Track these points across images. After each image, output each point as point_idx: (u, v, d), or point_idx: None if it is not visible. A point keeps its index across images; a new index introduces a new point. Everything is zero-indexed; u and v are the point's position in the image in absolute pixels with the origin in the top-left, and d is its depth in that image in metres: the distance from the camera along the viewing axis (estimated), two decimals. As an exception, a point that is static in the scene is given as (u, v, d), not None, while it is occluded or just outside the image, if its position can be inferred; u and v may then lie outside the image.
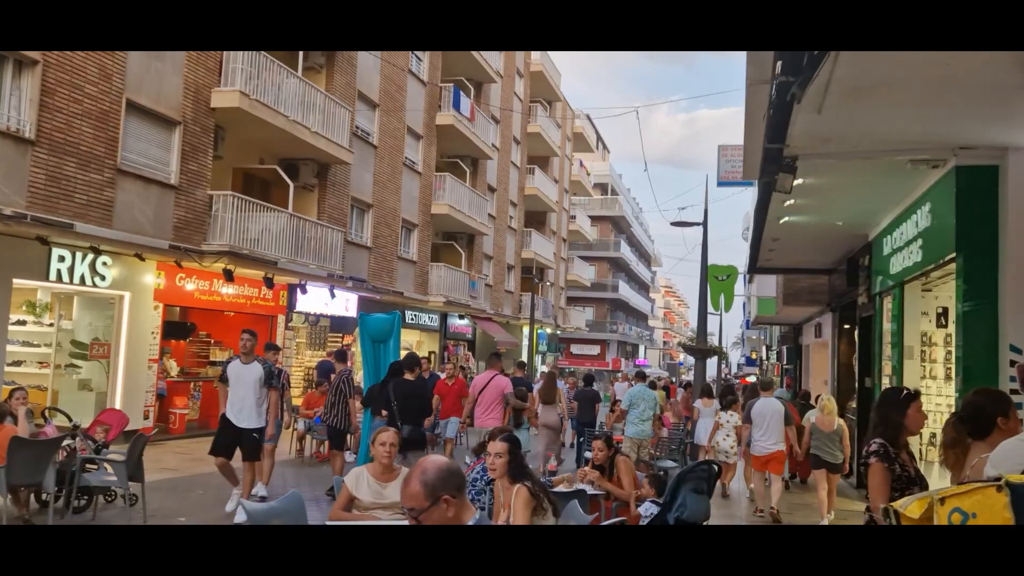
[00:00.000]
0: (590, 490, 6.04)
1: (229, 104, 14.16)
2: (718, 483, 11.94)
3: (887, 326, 11.57)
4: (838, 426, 9.90)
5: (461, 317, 28.59)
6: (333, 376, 19.23)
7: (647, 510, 5.67)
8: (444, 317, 27.45)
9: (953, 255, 7.92)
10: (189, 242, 13.92)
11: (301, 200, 17.84)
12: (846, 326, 15.83)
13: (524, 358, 29.98)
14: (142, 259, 13.20)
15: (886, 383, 11.60)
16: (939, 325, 11.36)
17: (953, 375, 11.34)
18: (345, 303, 20.39)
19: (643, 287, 75.59)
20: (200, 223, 14.27)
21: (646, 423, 11.38)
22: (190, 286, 15.29)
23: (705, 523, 5.61)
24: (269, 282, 15.83)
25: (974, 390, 3.79)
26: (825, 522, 9.67)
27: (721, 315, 43.07)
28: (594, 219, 56.30)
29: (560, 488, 5.83)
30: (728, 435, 11.37)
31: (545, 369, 35.20)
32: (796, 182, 8.54)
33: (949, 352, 11.24)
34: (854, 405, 14.28)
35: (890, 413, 3.96)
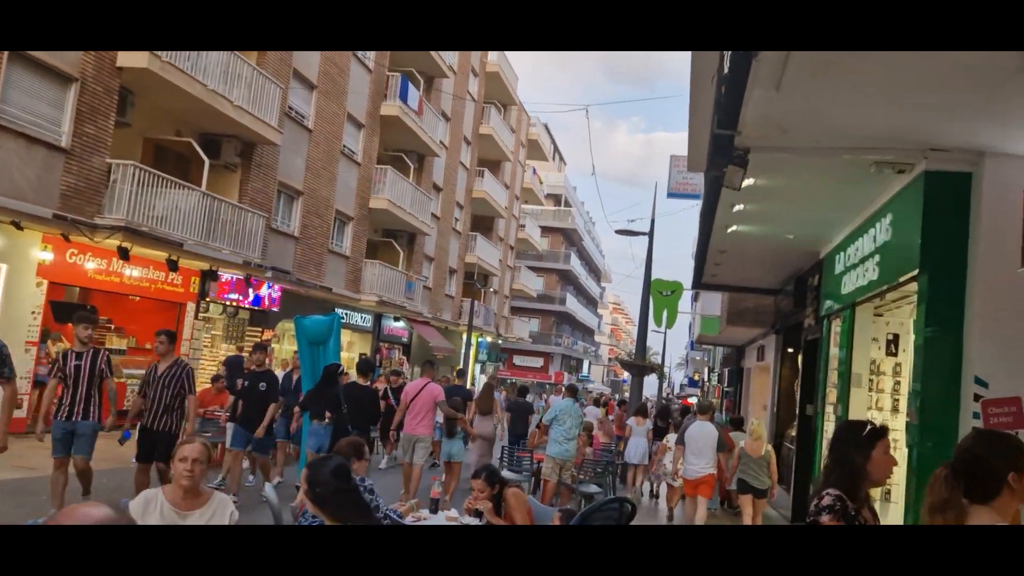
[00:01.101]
0: (473, 526, 4.95)
1: (137, 65, 12.78)
2: (665, 506, 11.64)
3: (834, 351, 10.75)
4: (766, 451, 9.78)
5: (397, 319, 27.32)
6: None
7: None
8: (379, 318, 26.16)
9: (914, 274, 7.06)
10: (80, 213, 12.47)
11: (221, 180, 16.47)
12: (790, 350, 15.06)
13: (462, 366, 28.85)
14: (20, 228, 11.73)
15: (829, 411, 10.78)
16: (889, 353, 10.57)
17: (903, 407, 10.57)
18: (267, 295, 19.02)
19: (591, 302, 75.08)
20: (94, 193, 12.83)
21: (571, 442, 10.34)
22: (89, 264, 13.83)
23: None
24: (173, 265, 14.43)
25: (972, 433, 2.82)
26: None
27: (665, 334, 42.53)
28: (545, 230, 55.56)
29: (421, 523, 4.74)
30: (673, 461, 10.97)
31: (483, 379, 34.11)
32: (747, 182, 7.60)
33: (898, 383, 10.45)
34: (794, 434, 13.47)
35: (849, 454, 2.96)
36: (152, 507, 3.49)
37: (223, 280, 17.01)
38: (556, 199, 59.33)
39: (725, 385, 27.97)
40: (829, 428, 10.66)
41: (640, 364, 15.55)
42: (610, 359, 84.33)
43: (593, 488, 10.43)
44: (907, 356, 10.46)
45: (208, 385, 12.88)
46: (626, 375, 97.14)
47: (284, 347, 23.16)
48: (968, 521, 2.54)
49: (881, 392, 10.45)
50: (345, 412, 8.19)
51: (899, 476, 10.59)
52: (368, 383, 8.87)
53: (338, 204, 21.57)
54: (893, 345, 10.57)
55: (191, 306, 16.71)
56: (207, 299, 17.02)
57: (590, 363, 76.60)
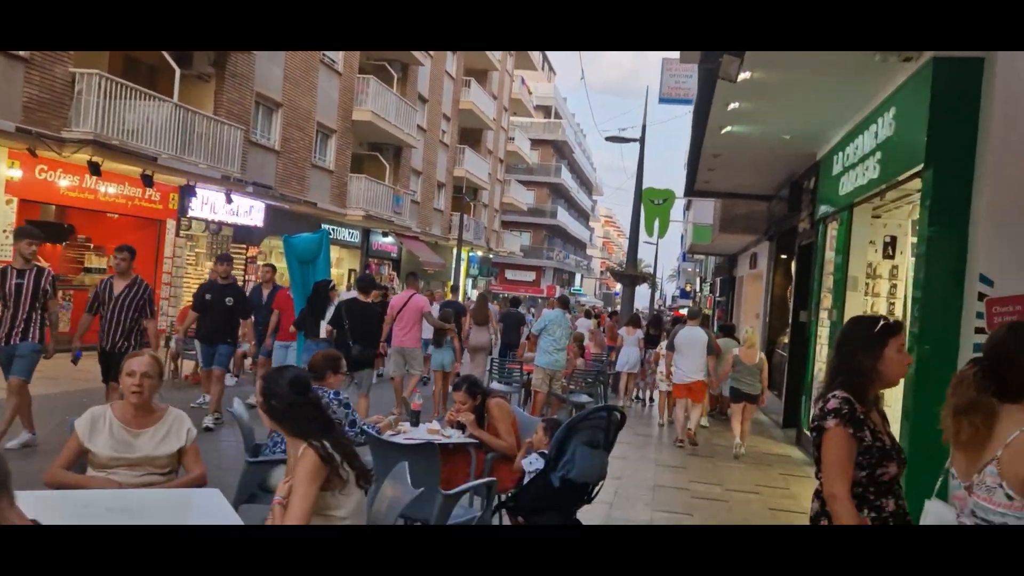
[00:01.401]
0: (456, 439, 4.74)
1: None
2: (664, 413, 11.56)
3: (829, 255, 10.49)
4: (760, 359, 9.81)
5: (385, 235, 26.92)
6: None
7: (531, 465, 4.41)
8: (367, 234, 25.75)
9: (918, 170, 6.72)
10: (45, 127, 11.91)
11: (194, 90, 15.79)
12: (783, 256, 14.82)
13: (453, 281, 28.64)
14: (-19, 142, 11.22)
15: (824, 317, 10.60)
16: (886, 256, 10.32)
17: (899, 311, 10.39)
18: (250, 211, 18.55)
19: (583, 215, 74.56)
20: (60, 105, 12.23)
21: (560, 352, 10.16)
22: (62, 182, 13.34)
23: (599, 483, 4.38)
24: (148, 180, 13.93)
25: (1004, 328, 2.53)
26: (741, 450, 9.41)
27: (657, 245, 42.30)
28: (535, 142, 54.59)
29: (398, 438, 4.52)
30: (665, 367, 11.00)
31: (475, 293, 34.00)
32: (743, 75, 7.18)
33: (895, 286, 10.24)
34: (786, 340, 13.36)
35: (858, 353, 2.68)
36: (100, 425, 3.23)
37: (202, 195, 16.51)
38: (546, 111, 58.07)
39: (717, 295, 27.88)
40: (824, 334, 10.50)
41: (631, 274, 15.31)
42: (602, 272, 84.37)
43: (584, 398, 10.32)
44: (904, 259, 10.22)
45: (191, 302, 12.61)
46: (618, 288, 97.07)
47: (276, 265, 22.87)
48: (999, 422, 2.30)
49: (877, 296, 10.25)
50: (347, 328, 8.01)
51: (892, 380, 10.53)
52: (368, 299, 8.58)
53: (320, 116, 20.86)
54: (890, 248, 10.30)
55: (171, 223, 16.26)
56: (187, 216, 16.56)
57: (582, 276, 76.63)
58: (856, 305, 9.19)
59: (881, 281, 10.28)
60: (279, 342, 9.44)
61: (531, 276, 56.58)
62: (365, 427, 4.41)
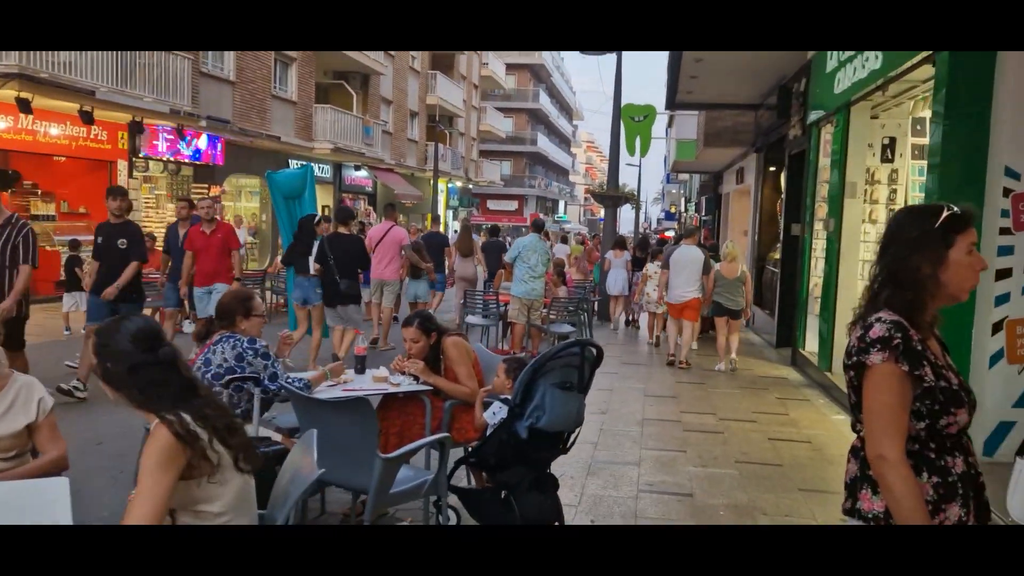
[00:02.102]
0: (406, 386, 4.05)
1: None
2: (653, 333, 11.36)
3: (823, 162, 9.73)
4: (741, 272, 9.52)
5: (357, 168, 25.84)
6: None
7: (494, 415, 3.74)
8: (338, 168, 24.70)
9: (929, 54, 5.93)
10: (-37, 61, 10.84)
11: (134, 18, 14.56)
12: (771, 168, 14.04)
13: (431, 212, 27.75)
14: None
15: (819, 228, 9.90)
16: (884, 159, 9.57)
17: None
18: (209, 148, 17.50)
19: (564, 141, 73.09)
20: (-22, 37, 11.11)
21: (537, 280, 9.46)
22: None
23: (575, 431, 3.70)
24: (87, 117, 12.89)
25: None
26: (722, 366, 9.38)
27: (640, 167, 41.32)
28: (512, 67, 52.91)
29: (330, 392, 3.81)
30: (658, 286, 10.71)
31: (456, 225, 33.16)
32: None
33: (894, 191, 9.51)
34: (777, 256, 12.69)
35: (913, 256, 1.93)
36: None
37: (153, 133, 15.47)
38: (521, 32, 55.98)
39: (703, 214, 27.13)
40: (819, 246, 9.82)
41: (613, 195, 14.48)
42: (585, 198, 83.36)
43: (566, 328, 9.66)
44: (904, 161, 9.47)
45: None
46: (603, 213, 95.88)
47: (241, 204, 21.89)
48: None
49: (875, 203, 9.54)
50: (332, 263, 7.86)
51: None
52: (350, 231, 8.41)
53: (277, 43, 19.61)
54: (889, 150, 9.55)
55: (122, 164, 15.26)
56: (139, 156, 15.55)
57: (566, 203, 75.59)
58: (855, 213, 8.48)
59: (879, 187, 9.56)
60: (200, 288, 8.13)
61: (513, 205, 55.58)
62: (292, 381, 3.71)
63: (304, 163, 21.98)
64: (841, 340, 8.98)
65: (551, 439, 3.66)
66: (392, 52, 27.48)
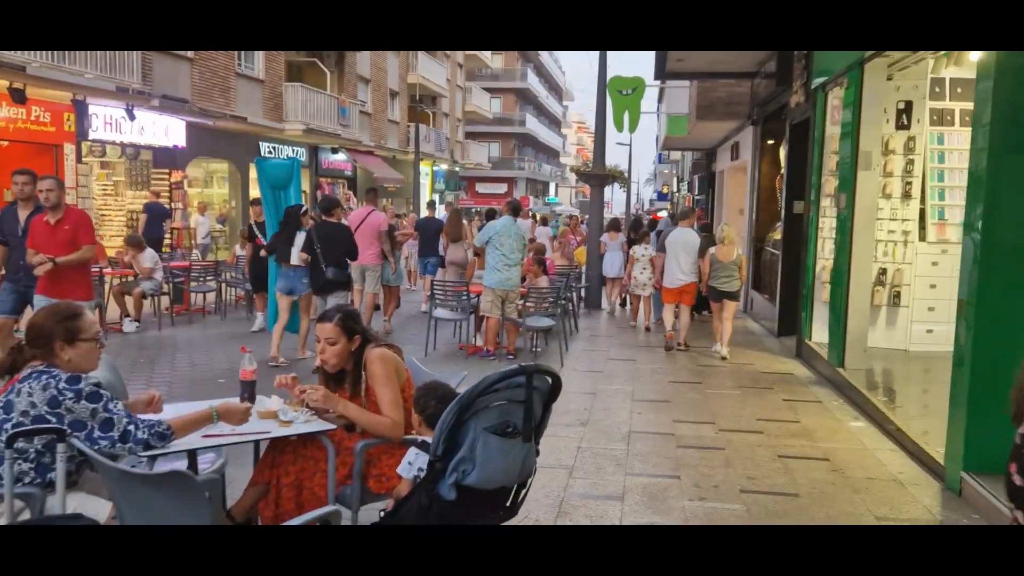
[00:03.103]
0: (302, 423, 3.01)
1: None
2: (636, 316, 11.30)
3: (832, 130, 8.68)
4: (737, 255, 9.06)
5: (335, 151, 24.64)
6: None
7: (410, 465, 2.71)
8: (315, 151, 23.52)
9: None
10: None
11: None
12: (770, 142, 12.99)
13: (413, 196, 26.66)
14: None
15: (827, 205, 8.86)
16: (899, 126, 8.53)
17: (916, 192, 8.65)
18: (167, 130, 16.34)
19: (554, 122, 71.78)
20: None
21: (512, 269, 8.41)
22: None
23: (520, 487, 2.68)
24: (18, 95, 11.77)
25: None
26: (722, 351, 8.92)
27: (631, 146, 40.19)
28: (498, 45, 51.47)
29: (196, 439, 2.75)
30: (644, 268, 10.78)
31: (442, 209, 32.05)
32: None
33: (911, 162, 8.48)
34: (778, 237, 11.66)
35: None
36: None
37: (104, 114, 14.32)
38: (507, 10, 54.63)
39: (696, 194, 26.07)
40: (827, 225, 8.79)
41: (600, 173, 13.40)
42: (577, 180, 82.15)
43: (545, 321, 8.61)
44: (922, 128, 8.43)
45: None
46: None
47: (213, 190, 20.73)
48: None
49: (890, 176, 8.53)
50: (319, 252, 7.79)
51: (909, 275, 8.88)
52: (336, 219, 8.29)
53: (241, 17, 18.40)
54: (905, 116, 8.52)
55: (69, 148, 14.11)
56: (88, 139, 14.40)
57: (557, 185, 74.35)
58: (870, 187, 7.42)
59: (895, 157, 8.54)
60: (41, 297, 6.16)
61: (503, 188, 54.31)
62: (143, 427, 2.64)
63: (278, 147, 20.86)
64: (855, 330, 7.98)
65: (489, 498, 2.63)
66: (369, 28, 26.23)
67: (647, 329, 10.91)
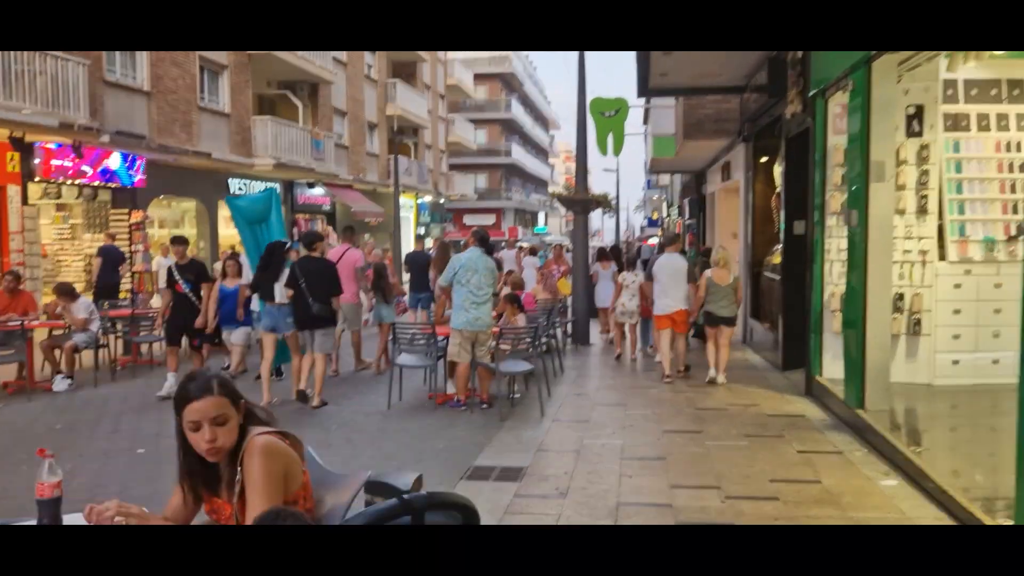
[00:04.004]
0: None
1: None
2: (619, 345, 10.84)
3: (835, 140, 7.79)
4: (733, 279, 8.90)
5: (311, 185, 23.72)
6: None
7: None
8: (289, 186, 22.61)
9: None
10: None
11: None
12: (763, 159, 12.12)
13: (394, 230, 25.73)
14: None
15: (832, 224, 7.93)
16: (911, 134, 7.63)
17: (933, 207, 7.73)
18: (129, 169, 15.40)
19: (541, 152, 71.39)
20: None
21: (482, 307, 7.44)
22: None
23: None
24: (-57, 134, 10.81)
25: None
26: (718, 377, 8.73)
27: (618, 170, 39.51)
28: (482, 77, 51.14)
29: None
30: (633, 296, 10.39)
31: (428, 243, 31.16)
32: None
33: (925, 173, 7.56)
34: (776, 260, 10.73)
35: None
36: None
37: (48, 152, 13.38)
38: (489, 42, 54.33)
39: (686, 218, 25.21)
40: (833, 246, 7.85)
41: (581, 198, 12.47)
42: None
43: (521, 366, 7.61)
44: (936, 134, 7.53)
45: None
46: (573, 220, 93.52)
47: (180, 231, 19.72)
48: None
49: (902, 188, 7.59)
50: (303, 287, 7.63)
51: (929, 300, 7.92)
52: (320, 253, 8.21)
53: (203, 50, 17.57)
54: (916, 121, 7.62)
55: (14, 189, 13.13)
56: (35, 179, 13.44)
57: (546, 215, 73.69)
58: (885, 201, 6.48)
59: (907, 168, 7.61)
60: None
61: (491, 219, 53.60)
62: None
63: (249, 183, 19.94)
64: (875, 365, 6.97)
65: None
66: (343, 60, 25.51)
67: (632, 360, 10.52)
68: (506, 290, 9.04)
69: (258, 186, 20.78)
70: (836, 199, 7.72)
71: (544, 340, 9.55)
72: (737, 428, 6.74)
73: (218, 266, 8.68)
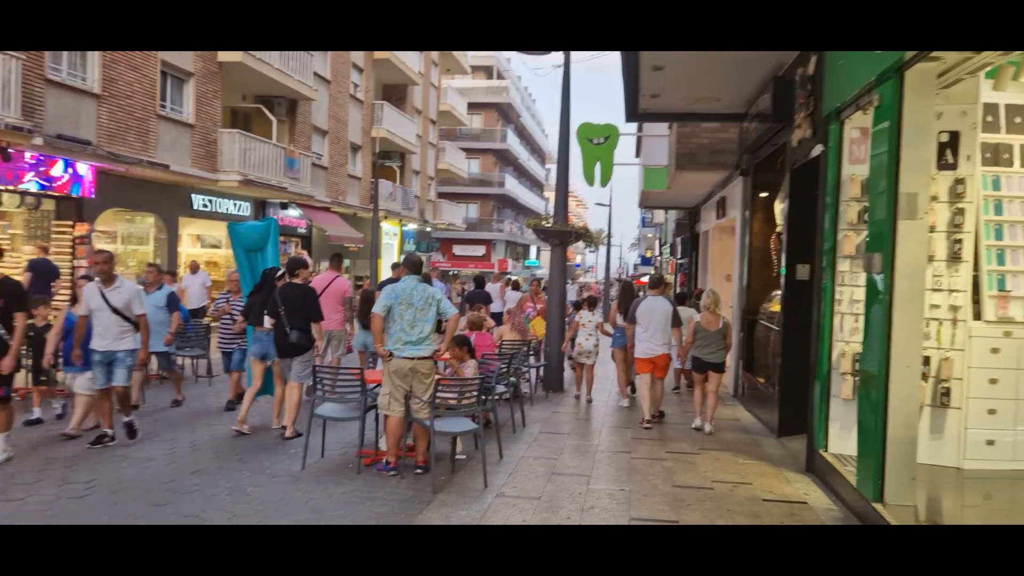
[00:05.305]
0: None
1: None
2: (579, 386, 10.41)
3: (852, 171, 6.56)
4: (723, 324, 8.57)
5: (285, 206, 22.48)
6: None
7: None
8: (261, 206, 21.37)
9: None
10: None
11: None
12: (763, 195, 10.90)
13: (380, 256, 24.49)
14: None
15: (844, 271, 6.67)
16: (942, 165, 6.40)
17: (968, 255, 6.46)
18: (73, 177, 14.13)
19: (536, 184, 70.40)
20: None
21: (419, 346, 6.11)
22: None
23: None
24: None
25: None
26: (705, 427, 8.43)
27: (611, 203, 38.40)
28: (478, 106, 50.36)
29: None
30: (591, 335, 10.24)
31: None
32: None
33: (960, 211, 6.31)
34: (775, 308, 9.45)
35: None
36: None
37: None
38: (487, 71, 53.67)
39: (679, 257, 24.01)
40: (846, 296, 6.57)
41: (559, 230, 11.18)
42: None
43: (463, 425, 6.25)
44: (973, 167, 6.31)
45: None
46: (579, 258, 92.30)
47: (135, 247, 18.39)
48: None
49: (932, 230, 6.32)
50: (283, 314, 7.53)
51: (960, 366, 6.64)
52: (303, 280, 7.92)
53: (166, 55, 16.39)
54: (950, 151, 6.38)
55: (-66, 194, 11.84)
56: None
57: (539, 248, 72.60)
58: (917, 243, 5.20)
59: (938, 206, 6.36)
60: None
61: (480, 250, 52.45)
62: None
63: (214, 199, 18.66)
64: (899, 447, 5.43)
65: None
66: (327, 77, 24.42)
67: (589, 402, 10.21)
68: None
69: (225, 203, 19.54)
70: (851, 239, 6.46)
71: (504, 388, 8.23)
72: (723, 518, 5.40)
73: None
